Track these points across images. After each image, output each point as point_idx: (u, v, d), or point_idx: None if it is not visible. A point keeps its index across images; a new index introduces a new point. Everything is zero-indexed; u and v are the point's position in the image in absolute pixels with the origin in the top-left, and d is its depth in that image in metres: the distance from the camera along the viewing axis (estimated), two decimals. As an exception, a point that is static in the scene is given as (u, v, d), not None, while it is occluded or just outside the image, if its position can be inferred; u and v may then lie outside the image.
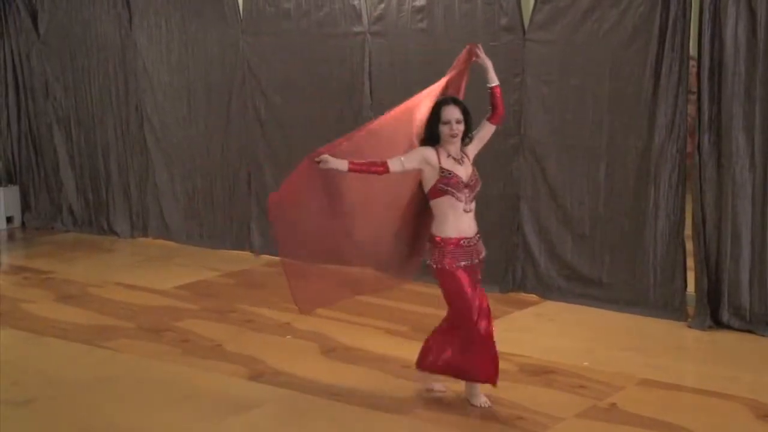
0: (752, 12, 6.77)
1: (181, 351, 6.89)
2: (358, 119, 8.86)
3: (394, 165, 5.36)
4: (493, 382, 5.65)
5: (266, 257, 9.57)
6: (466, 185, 5.44)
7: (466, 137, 5.55)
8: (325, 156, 5.41)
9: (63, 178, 11.25)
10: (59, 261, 9.89)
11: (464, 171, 5.47)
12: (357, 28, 8.78)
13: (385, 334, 7.16)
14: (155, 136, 10.43)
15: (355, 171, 5.38)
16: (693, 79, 7.31)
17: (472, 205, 5.51)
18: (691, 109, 7.28)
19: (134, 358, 6.78)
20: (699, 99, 7.03)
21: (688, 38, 7.14)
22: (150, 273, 9.25)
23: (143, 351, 6.91)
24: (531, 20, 7.81)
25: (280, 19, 9.26)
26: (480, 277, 5.62)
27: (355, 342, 6.96)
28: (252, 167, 9.70)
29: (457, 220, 5.46)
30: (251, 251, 9.78)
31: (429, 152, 5.44)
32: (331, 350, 6.81)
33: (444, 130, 5.42)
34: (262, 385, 6.17)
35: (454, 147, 5.48)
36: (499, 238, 7.91)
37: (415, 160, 5.42)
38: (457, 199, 5.43)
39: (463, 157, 5.51)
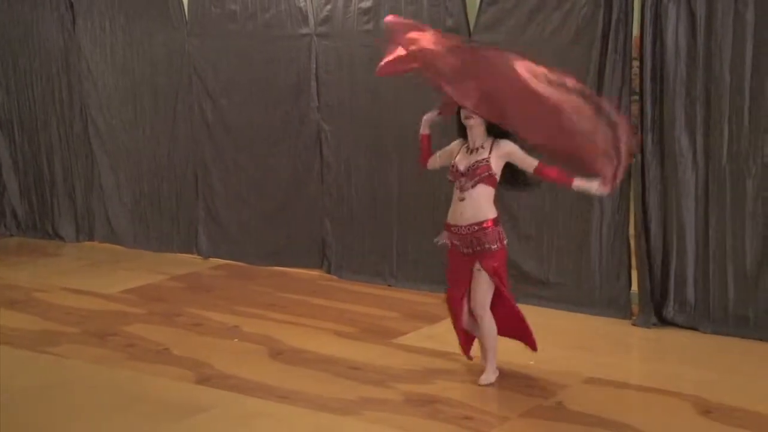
0: (692, 14, 6.88)
1: (127, 355, 6.86)
2: (305, 121, 8.90)
3: (432, 161, 6.07)
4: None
5: (213, 260, 9.57)
6: (463, 174, 5.77)
7: (503, 132, 5.77)
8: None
9: (6, 181, 11.13)
10: (3, 266, 9.79)
11: (468, 160, 5.80)
12: (303, 30, 8.80)
13: (332, 336, 7.18)
14: (100, 139, 10.37)
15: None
16: (636, 80, 7.41)
17: (467, 195, 5.80)
18: (635, 109, 7.39)
19: (80, 363, 6.74)
20: (641, 99, 7.13)
21: (631, 40, 7.24)
22: (96, 277, 9.20)
23: (89, 356, 6.87)
24: (476, 22, 7.87)
25: (226, 21, 9.25)
26: (477, 267, 5.89)
27: (303, 344, 6.98)
28: (199, 170, 9.68)
29: (453, 206, 5.89)
30: (198, 254, 9.76)
31: (454, 145, 5.96)
32: (278, 353, 6.83)
33: (461, 115, 5.79)
34: (209, 388, 6.16)
35: (473, 135, 5.81)
36: (447, 238, 7.97)
37: (445, 155, 5.99)
38: (456, 188, 5.86)
39: (481, 147, 5.80)
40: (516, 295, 7.83)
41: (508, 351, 6.65)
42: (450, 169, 5.91)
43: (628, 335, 7.15)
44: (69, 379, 6.45)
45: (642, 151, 7.17)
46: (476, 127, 5.79)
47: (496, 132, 5.80)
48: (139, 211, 10.23)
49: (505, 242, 5.93)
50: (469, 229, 5.83)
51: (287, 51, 8.91)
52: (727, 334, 6.96)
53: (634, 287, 7.41)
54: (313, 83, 8.82)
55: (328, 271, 8.95)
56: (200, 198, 9.73)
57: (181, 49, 9.58)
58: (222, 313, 7.81)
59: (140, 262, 9.70)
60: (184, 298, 8.34)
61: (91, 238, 10.66)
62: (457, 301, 6.05)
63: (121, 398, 6.06)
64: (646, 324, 7.21)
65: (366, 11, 8.39)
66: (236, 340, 7.17)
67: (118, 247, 10.35)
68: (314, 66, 8.80)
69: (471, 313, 6.04)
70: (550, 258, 7.75)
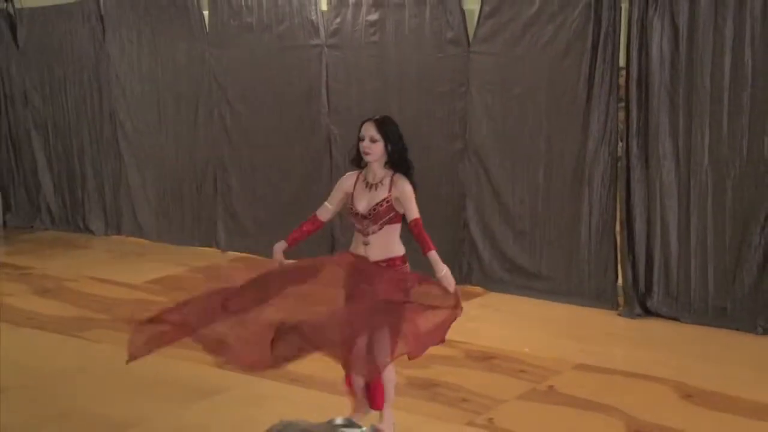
0: (675, 27, 6.83)
1: (151, 341, 6.81)
2: (315, 125, 8.86)
3: (323, 213, 4.84)
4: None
5: (231, 253, 9.52)
6: (365, 217, 4.65)
7: (403, 164, 4.70)
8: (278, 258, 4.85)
9: (41, 180, 11.12)
10: (38, 257, 9.76)
11: (368, 200, 4.67)
12: (315, 41, 8.75)
13: (341, 324, 7.12)
14: (128, 141, 10.34)
15: (296, 241, 4.81)
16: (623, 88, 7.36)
17: (372, 239, 4.68)
18: (622, 115, 7.33)
19: (108, 347, 6.69)
20: (627, 107, 7.08)
21: (618, 50, 7.18)
22: (123, 268, 9.15)
23: (116, 341, 6.79)
24: (475, 34, 7.82)
25: (243, 33, 9.21)
26: None
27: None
28: (218, 169, 9.64)
29: (356, 249, 4.75)
30: (217, 247, 9.71)
31: (348, 178, 4.80)
32: (291, 339, 6.76)
33: (360, 146, 4.69)
34: (226, 372, 6.09)
35: (372, 169, 4.69)
36: (447, 234, 7.91)
37: (337, 196, 4.82)
38: (358, 230, 4.74)
39: (380, 183, 4.68)
40: (511, 287, 7.86)
41: (506, 339, 6.63)
42: (349, 210, 4.73)
43: (614, 325, 7.10)
44: (96, 362, 6.42)
45: (627, 155, 7.13)
46: (375, 162, 4.67)
47: (394, 163, 4.70)
48: (162, 207, 10.20)
49: None
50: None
51: (300, 61, 8.86)
52: (707, 324, 6.92)
53: (621, 281, 7.36)
54: (324, 90, 8.76)
55: (338, 264, 8.89)
56: (219, 195, 9.68)
57: (202, 58, 9.53)
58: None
59: (163, 255, 9.66)
60: (204, 288, 8.27)
61: (118, 232, 10.62)
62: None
63: (145, 380, 6.00)
64: (631, 315, 7.16)
65: (373, 23, 8.34)
66: (252, 327, 7.12)
67: (143, 240, 10.32)
68: (325, 74, 8.74)
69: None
70: (543, 252, 7.70)
